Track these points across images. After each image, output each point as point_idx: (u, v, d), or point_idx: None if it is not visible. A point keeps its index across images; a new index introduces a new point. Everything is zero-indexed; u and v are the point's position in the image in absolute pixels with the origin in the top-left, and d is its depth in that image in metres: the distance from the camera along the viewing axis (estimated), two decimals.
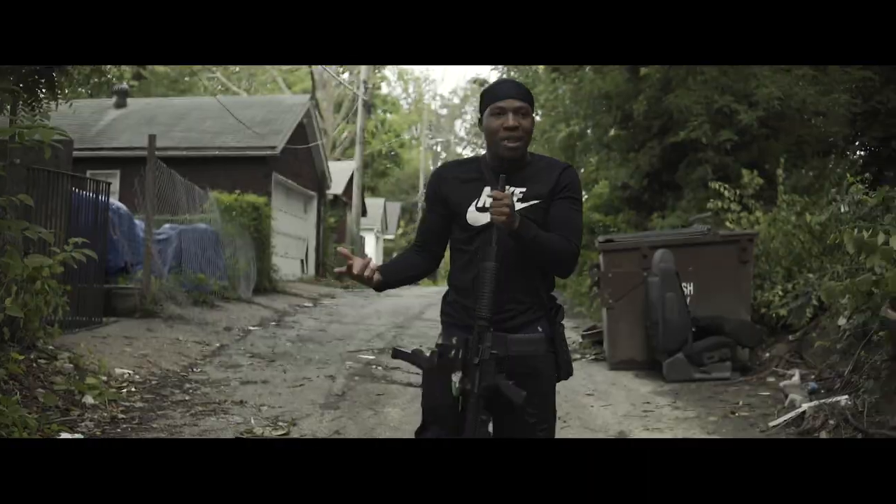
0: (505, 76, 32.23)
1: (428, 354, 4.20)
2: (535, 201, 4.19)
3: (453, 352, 4.03)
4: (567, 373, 4.32)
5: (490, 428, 4.02)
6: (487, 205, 4.12)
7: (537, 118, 27.03)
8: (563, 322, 4.42)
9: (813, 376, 10.49)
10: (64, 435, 7.54)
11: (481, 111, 4.31)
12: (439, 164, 4.30)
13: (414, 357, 4.19)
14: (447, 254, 4.56)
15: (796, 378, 10.52)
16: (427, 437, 4.22)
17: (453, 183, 4.34)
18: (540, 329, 4.19)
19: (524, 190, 4.20)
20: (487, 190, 4.21)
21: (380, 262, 4.53)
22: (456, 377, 4.01)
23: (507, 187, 4.07)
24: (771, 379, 11.24)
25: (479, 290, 3.98)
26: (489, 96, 4.26)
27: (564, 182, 4.25)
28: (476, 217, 4.21)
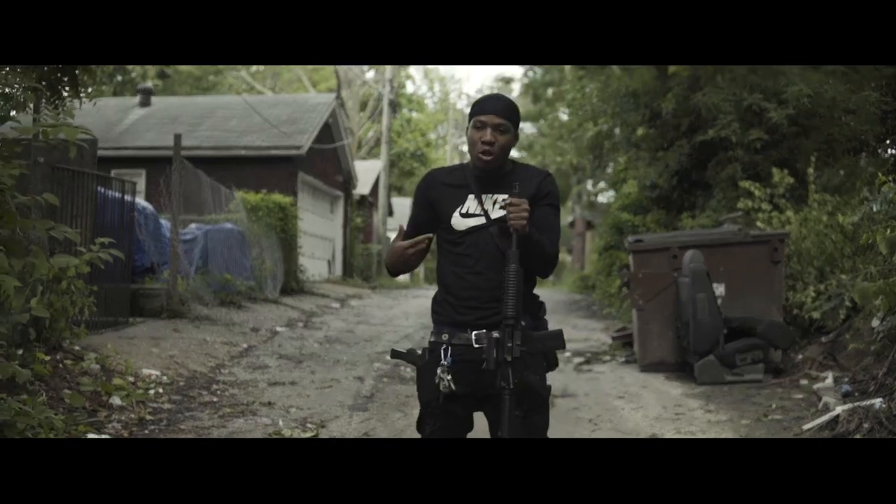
0: (531, 74, 32.10)
1: (420, 352, 4.61)
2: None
3: (484, 351, 4.27)
4: (555, 363, 4.60)
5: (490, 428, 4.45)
6: (471, 210, 4.55)
7: (564, 117, 27.01)
8: (548, 320, 4.74)
9: (847, 379, 10.36)
10: (91, 436, 7.49)
11: (469, 121, 4.59)
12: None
13: (408, 355, 4.61)
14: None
15: (829, 380, 10.41)
16: (425, 428, 4.56)
17: (441, 188, 4.66)
18: (523, 323, 4.35)
19: (507, 197, 4.42)
20: (471, 197, 4.56)
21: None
22: (440, 370, 4.37)
23: (489, 196, 4.54)
24: (804, 381, 11.12)
25: (504, 291, 4.25)
26: (474, 109, 4.55)
27: (546, 189, 4.60)
28: (460, 222, 4.55)
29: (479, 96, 4.76)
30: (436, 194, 4.65)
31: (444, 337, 4.47)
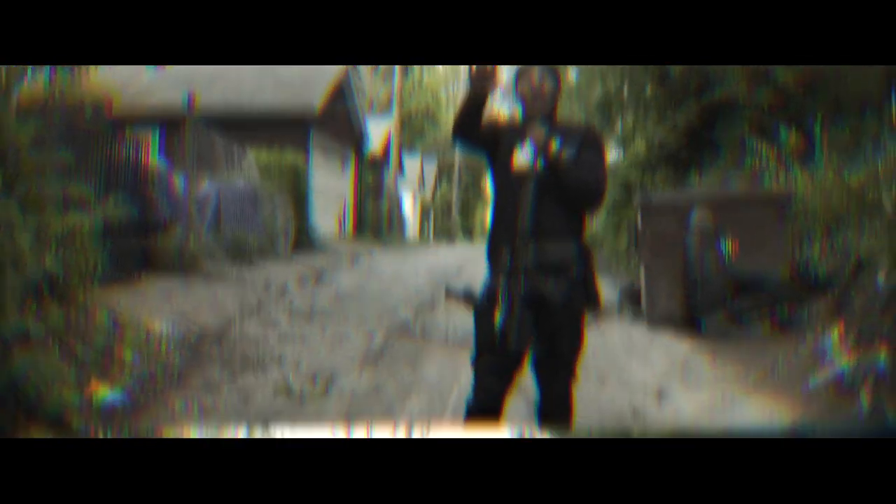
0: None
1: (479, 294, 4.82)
2: (571, 149, 4.72)
3: (501, 264, 4.68)
4: (600, 303, 4.95)
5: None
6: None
7: (574, 77, 26.89)
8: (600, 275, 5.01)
9: (852, 333, 10.43)
10: (102, 390, 7.59)
11: (515, 86, 5.05)
12: None
13: (465, 296, 4.85)
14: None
15: (836, 335, 10.47)
16: (482, 364, 4.79)
17: (505, 129, 5.07)
18: (575, 274, 4.74)
19: (561, 139, 4.74)
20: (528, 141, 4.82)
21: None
22: (498, 311, 4.56)
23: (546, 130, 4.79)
24: (810, 336, 11.18)
25: (521, 207, 4.64)
26: (516, 73, 5.05)
27: (591, 137, 5.03)
28: (521, 161, 4.84)
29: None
30: (502, 132, 5.04)
31: (503, 253, 4.72)
